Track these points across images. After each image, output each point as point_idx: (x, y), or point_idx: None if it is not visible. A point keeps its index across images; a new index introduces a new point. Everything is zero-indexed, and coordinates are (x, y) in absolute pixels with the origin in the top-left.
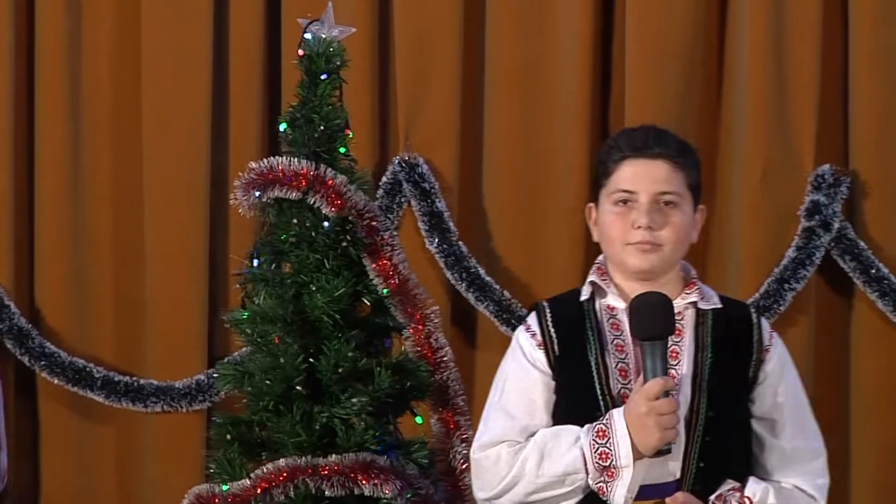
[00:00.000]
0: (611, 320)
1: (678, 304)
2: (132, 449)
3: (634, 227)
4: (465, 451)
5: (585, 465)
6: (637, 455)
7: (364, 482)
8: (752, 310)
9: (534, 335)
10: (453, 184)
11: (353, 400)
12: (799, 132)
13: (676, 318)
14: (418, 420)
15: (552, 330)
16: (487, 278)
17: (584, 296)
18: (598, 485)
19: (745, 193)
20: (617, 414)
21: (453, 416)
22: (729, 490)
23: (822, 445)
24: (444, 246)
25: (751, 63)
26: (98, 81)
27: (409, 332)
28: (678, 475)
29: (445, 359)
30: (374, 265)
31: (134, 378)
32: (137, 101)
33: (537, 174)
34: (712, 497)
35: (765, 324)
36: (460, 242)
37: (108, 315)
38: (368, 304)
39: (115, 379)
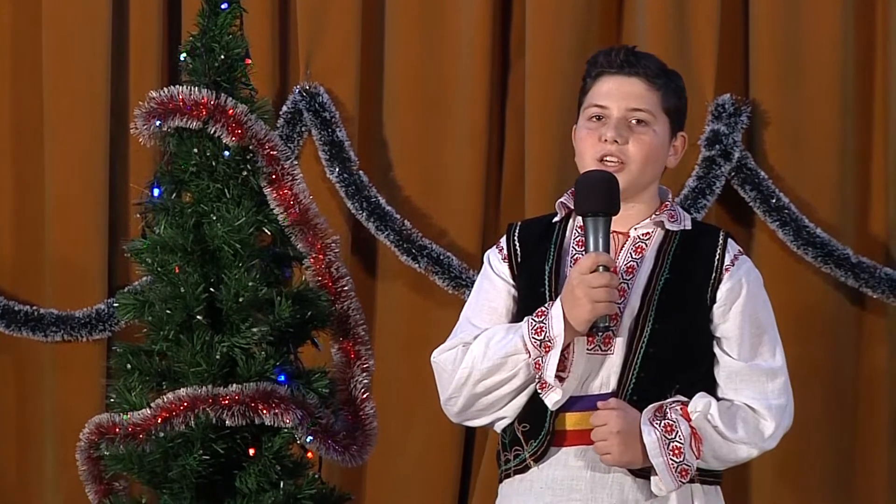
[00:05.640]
0: (577, 238)
1: (645, 223)
2: (32, 378)
3: (601, 141)
4: (365, 381)
5: (526, 346)
6: (572, 331)
7: (264, 412)
8: (723, 233)
9: (501, 250)
10: (354, 113)
11: (254, 329)
12: (699, 61)
13: (643, 237)
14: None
15: (517, 244)
16: (388, 207)
17: (557, 217)
18: (536, 360)
19: None
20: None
21: (354, 345)
22: (672, 402)
23: (783, 367)
24: (345, 175)
25: None
26: None
27: (309, 261)
28: (615, 387)
29: (346, 288)
30: (274, 194)
31: (34, 307)
32: (37, 30)
33: (438, 103)
34: (651, 406)
35: (731, 246)
36: (361, 172)
37: (7, 244)
38: (269, 233)
39: (15, 308)
